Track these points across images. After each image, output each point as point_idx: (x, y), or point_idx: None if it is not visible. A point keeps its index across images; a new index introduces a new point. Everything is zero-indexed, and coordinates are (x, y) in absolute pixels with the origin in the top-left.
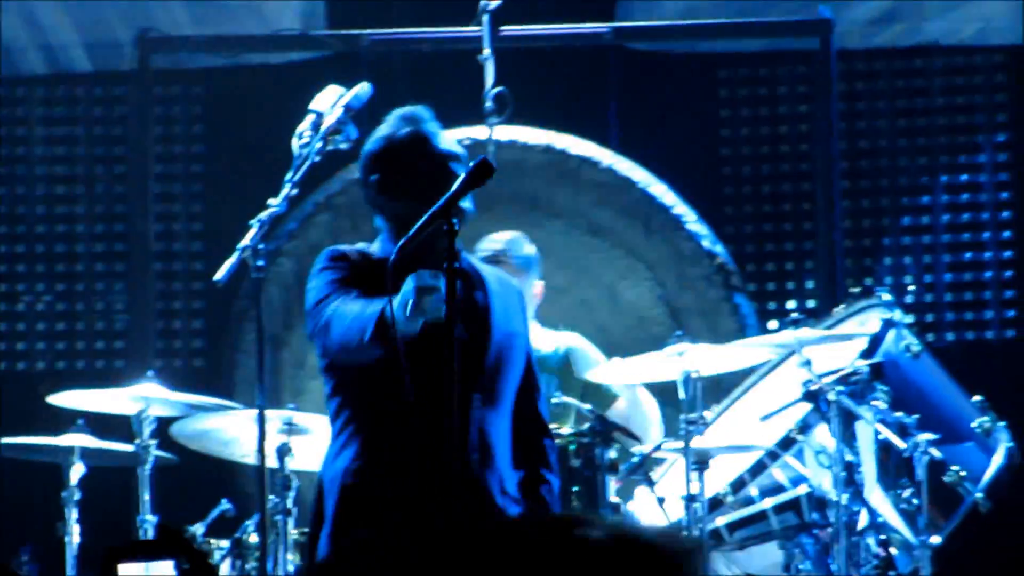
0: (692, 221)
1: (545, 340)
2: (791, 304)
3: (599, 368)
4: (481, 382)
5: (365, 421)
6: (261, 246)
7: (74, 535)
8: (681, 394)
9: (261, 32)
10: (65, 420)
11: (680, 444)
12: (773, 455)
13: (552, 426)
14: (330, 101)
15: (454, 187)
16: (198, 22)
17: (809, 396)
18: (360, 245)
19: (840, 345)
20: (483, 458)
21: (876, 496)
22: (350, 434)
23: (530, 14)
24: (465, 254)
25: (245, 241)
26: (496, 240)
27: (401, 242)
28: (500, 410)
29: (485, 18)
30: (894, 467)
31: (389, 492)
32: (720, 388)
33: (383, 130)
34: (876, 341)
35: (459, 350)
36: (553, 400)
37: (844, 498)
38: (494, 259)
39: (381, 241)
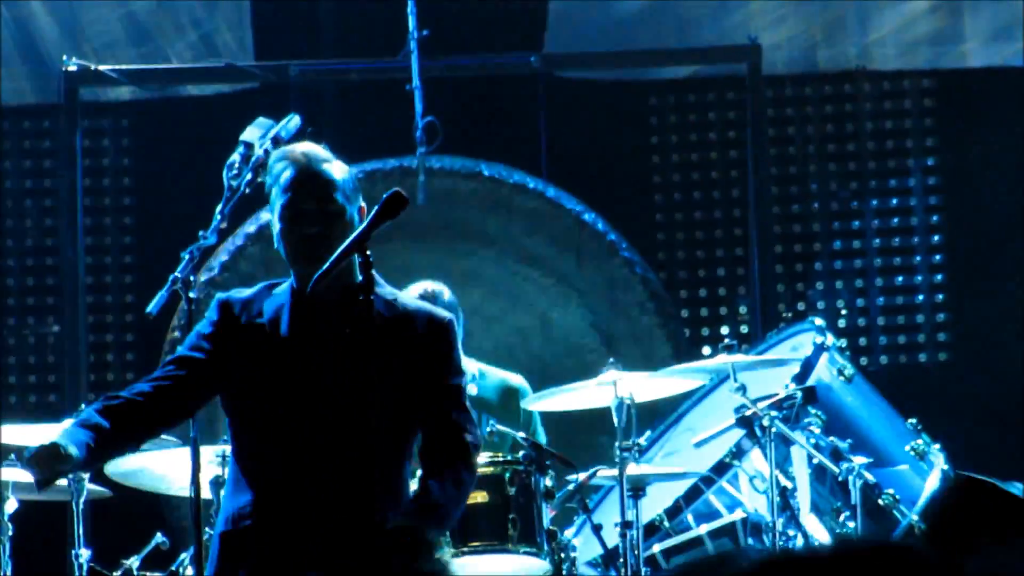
0: (624, 248)
1: (486, 377)
2: (724, 330)
3: (533, 396)
4: (333, 419)
5: (242, 461)
6: (192, 277)
7: (7, 570)
8: (615, 421)
9: (188, 64)
10: None
11: (615, 471)
12: (708, 481)
13: (487, 454)
14: (259, 133)
15: (367, 220)
16: (125, 55)
17: (743, 421)
18: (273, 281)
19: (773, 370)
20: (340, 494)
21: (811, 520)
22: (233, 475)
23: (458, 43)
24: (383, 286)
25: (176, 273)
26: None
27: (316, 275)
28: (367, 445)
29: (413, 47)
30: (829, 491)
31: (259, 535)
32: (654, 414)
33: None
34: (809, 365)
35: (308, 389)
36: (488, 429)
37: (779, 523)
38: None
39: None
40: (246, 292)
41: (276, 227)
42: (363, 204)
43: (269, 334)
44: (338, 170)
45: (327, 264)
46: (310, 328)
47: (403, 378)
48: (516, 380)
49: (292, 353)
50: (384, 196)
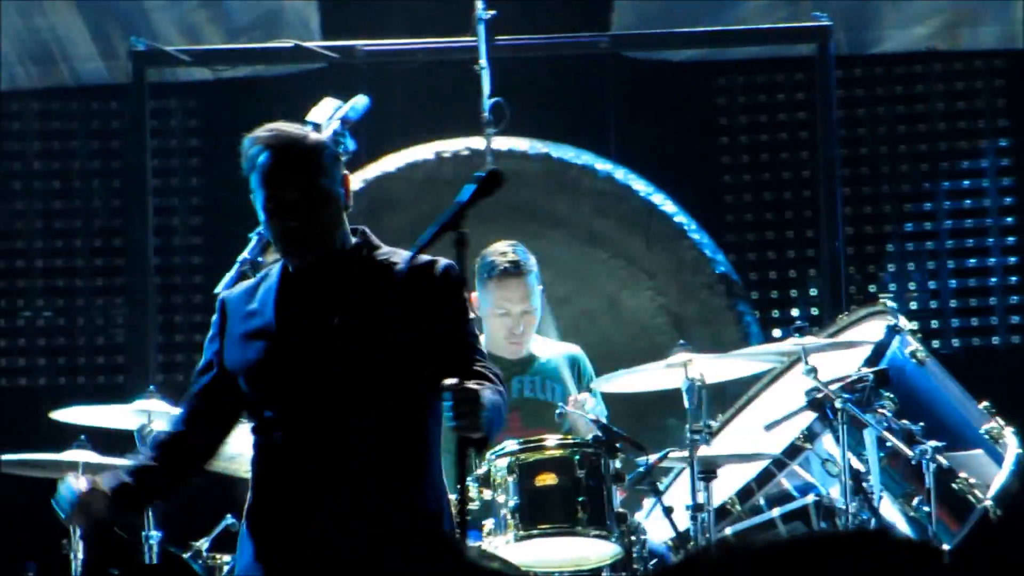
0: (693, 230)
1: (545, 349)
2: (794, 312)
3: (602, 379)
4: (333, 397)
5: (257, 444)
6: (260, 258)
7: (78, 552)
8: (686, 403)
9: (256, 44)
10: (67, 436)
11: (686, 453)
12: (780, 464)
13: (556, 437)
14: (327, 113)
15: (463, 198)
16: (193, 35)
17: (814, 404)
18: (269, 265)
19: (845, 353)
20: (344, 469)
21: (885, 504)
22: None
23: (526, 23)
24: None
25: (244, 254)
26: (509, 250)
27: (410, 254)
28: (376, 418)
29: (481, 28)
30: (902, 475)
31: (269, 522)
32: (725, 397)
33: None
34: (881, 348)
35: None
36: (556, 411)
37: (853, 507)
38: (515, 272)
39: None
40: (247, 284)
41: (261, 217)
42: (346, 173)
43: (261, 318)
44: (316, 147)
45: (421, 241)
46: (300, 305)
47: (411, 339)
48: (575, 350)
49: (283, 333)
50: (481, 173)
